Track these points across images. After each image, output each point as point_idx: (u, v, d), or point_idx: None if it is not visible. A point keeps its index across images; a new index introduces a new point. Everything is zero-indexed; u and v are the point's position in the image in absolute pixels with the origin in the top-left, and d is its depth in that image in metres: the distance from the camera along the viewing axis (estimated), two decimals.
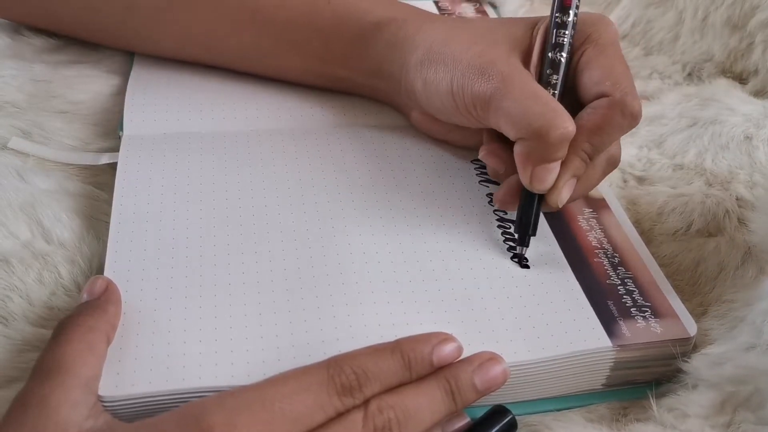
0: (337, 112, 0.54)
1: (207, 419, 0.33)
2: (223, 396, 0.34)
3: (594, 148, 0.44)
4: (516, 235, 0.45)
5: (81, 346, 0.36)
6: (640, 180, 0.53)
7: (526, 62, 0.46)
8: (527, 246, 0.44)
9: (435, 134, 0.52)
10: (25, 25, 0.61)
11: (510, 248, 0.45)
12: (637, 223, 0.49)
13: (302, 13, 0.52)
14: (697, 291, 0.45)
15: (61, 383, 0.35)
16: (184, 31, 0.55)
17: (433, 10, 0.69)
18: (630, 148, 0.55)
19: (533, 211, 0.44)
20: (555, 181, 0.43)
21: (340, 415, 0.35)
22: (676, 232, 0.49)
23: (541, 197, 0.44)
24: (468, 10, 0.70)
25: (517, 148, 0.44)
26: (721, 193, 0.50)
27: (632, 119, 0.43)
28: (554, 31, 0.45)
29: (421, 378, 0.37)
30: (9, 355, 0.40)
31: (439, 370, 0.37)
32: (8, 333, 0.40)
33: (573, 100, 0.45)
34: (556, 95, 0.45)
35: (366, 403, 0.35)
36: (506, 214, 0.47)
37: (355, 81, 0.53)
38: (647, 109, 0.59)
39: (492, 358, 0.38)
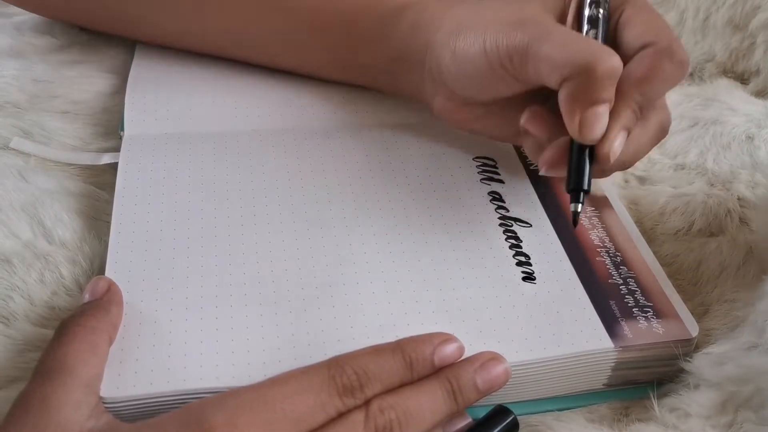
0: (339, 112, 0.54)
1: (209, 419, 0.33)
2: (225, 396, 0.34)
3: (644, 98, 0.42)
4: (569, 194, 0.43)
5: (83, 347, 0.36)
6: (642, 180, 0.53)
7: (561, 23, 0.44)
8: (582, 203, 0.42)
9: (460, 122, 0.49)
10: (51, 17, 0.61)
11: (508, 233, 0.43)
12: (638, 223, 0.49)
13: (326, 1, 0.52)
14: (699, 291, 0.45)
15: (63, 383, 0.35)
16: (209, 22, 0.54)
17: None
18: None
19: (584, 165, 0.42)
20: (607, 132, 0.41)
21: (341, 415, 0.35)
22: (678, 232, 0.49)
23: (593, 150, 0.42)
24: None
25: (562, 93, 0.41)
26: (722, 193, 0.50)
27: (681, 67, 0.42)
28: None
29: (422, 378, 0.37)
30: (10, 355, 0.40)
31: (440, 370, 0.37)
32: (9, 333, 0.40)
33: None
34: None
35: (367, 403, 0.35)
36: (508, 212, 0.47)
37: (376, 68, 0.52)
38: None
39: (494, 357, 0.38)
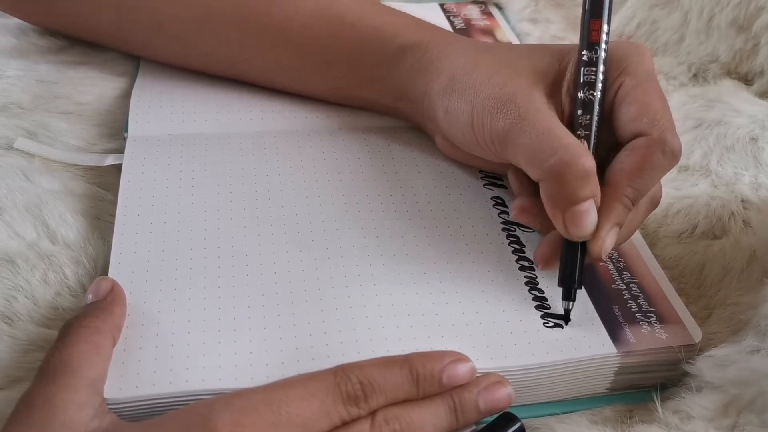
0: (341, 115, 0.54)
1: (214, 419, 0.33)
2: (230, 397, 0.34)
3: (636, 192, 0.41)
4: (561, 290, 0.42)
5: (87, 347, 0.36)
6: None
7: (552, 94, 0.44)
8: (573, 300, 0.41)
9: (459, 159, 0.50)
10: (57, 32, 0.61)
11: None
12: (641, 226, 0.49)
13: (328, 35, 0.52)
14: (702, 294, 0.45)
15: (67, 384, 0.35)
16: (211, 50, 0.55)
17: (439, 12, 0.69)
18: None
19: (577, 262, 0.41)
20: (597, 230, 0.40)
21: (345, 424, 0.35)
22: (681, 234, 0.49)
23: (584, 246, 0.41)
24: (473, 12, 0.70)
25: (541, 192, 0.41)
26: (726, 195, 0.50)
27: (673, 158, 0.41)
28: (582, 69, 0.43)
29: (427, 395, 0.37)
30: (14, 355, 0.40)
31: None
32: (13, 333, 0.40)
33: (610, 136, 0.43)
34: (591, 136, 0.43)
35: (373, 414, 0.35)
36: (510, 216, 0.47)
37: (380, 103, 0.53)
38: None
39: (498, 381, 0.38)
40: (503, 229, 0.46)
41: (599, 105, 0.43)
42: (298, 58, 0.53)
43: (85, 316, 0.38)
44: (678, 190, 0.51)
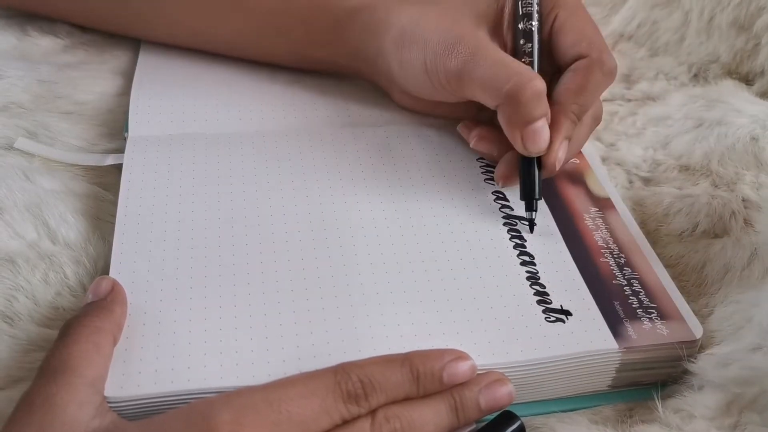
0: (342, 113, 0.54)
1: (214, 418, 0.33)
2: (230, 395, 0.34)
3: (580, 107, 0.46)
4: (524, 203, 0.46)
5: (87, 347, 0.36)
6: (646, 181, 0.53)
7: (494, 33, 0.49)
8: (536, 210, 0.46)
9: (419, 110, 0.54)
10: (22, 11, 0.62)
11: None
12: (642, 224, 0.49)
13: (282, 2, 0.54)
14: (704, 292, 0.45)
15: (68, 383, 0.35)
16: (174, 19, 0.57)
17: None
18: (636, 148, 0.55)
19: (534, 175, 0.46)
20: (550, 144, 0.45)
21: (346, 423, 0.35)
22: (682, 233, 0.49)
23: (539, 161, 0.46)
24: None
25: (499, 116, 0.46)
26: (727, 194, 0.50)
27: (610, 75, 0.47)
28: (519, 3, 0.48)
29: (428, 393, 0.37)
30: (14, 355, 0.40)
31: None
32: (14, 333, 0.40)
33: (551, 65, 0.48)
34: (534, 63, 0.47)
35: (373, 412, 0.35)
36: (513, 210, 0.47)
37: (338, 63, 0.55)
38: (653, 110, 0.59)
39: (499, 379, 0.38)
40: (504, 224, 0.46)
41: (538, 33, 0.48)
42: (257, 25, 0.55)
43: (85, 315, 0.38)
44: (679, 189, 0.51)
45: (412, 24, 0.49)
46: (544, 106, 0.45)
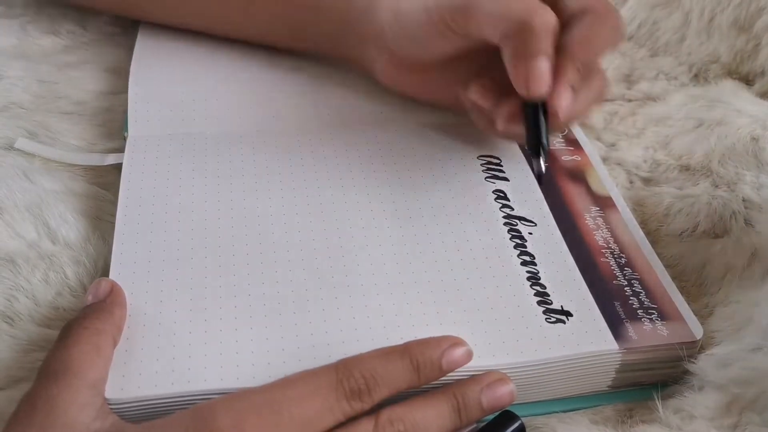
0: (343, 113, 0.54)
1: (216, 421, 0.33)
2: (231, 398, 0.34)
3: (585, 58, 0.45)
4: (531, 152, 0.45)
5: (88, 348, 0.36)
6: (647, 181, 0.53)
7: None
8: (545, 160, 0.44)
9: (403, 85, 0.52)
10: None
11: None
12: (643, 224, 0.49)
13: None
14: (704, 292, 0.45)
15: (69, 385, 0.35)
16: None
17: None
18: (636, 149, 0.55)
19: (540, 121, 0.44)
20: (554, 87, 0.43)
21: (349, 421, 0.35)
22: (683, 233, 0.49)
23: (545, 110, 0.44)
24: None
25: (505, 52, 0.44)
26: (727, 195, 0.50)
27: (618, 31, 0.46)
28: None
29: (430, 390, 0.37)
30: (15, 355, 0.40)
31: (448, 386, 0.37)
32: (14, 333, 0.40)
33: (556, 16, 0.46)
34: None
35: (377, 414, 0.35)
36: (513, 210, 0.47)
37: (321, 33, 0.54)
38: (653, 110, 0.59)
39: (501, 378, 0.38)
40: (505, 224, 0.46)
41: None
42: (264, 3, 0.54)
43: (85, 317, 0.38)
44: (679, 189, 0.51)
45: None
46: (549, 43, 0.43)
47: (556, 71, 0.43)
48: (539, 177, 0.45)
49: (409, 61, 0.49)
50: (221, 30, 0.57)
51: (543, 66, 0.43)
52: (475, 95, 0.47)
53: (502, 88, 0.46)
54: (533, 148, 0.44)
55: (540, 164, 0.44)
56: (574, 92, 0.44)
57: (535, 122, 0.44)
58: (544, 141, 0.44)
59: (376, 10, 0.49)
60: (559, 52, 0.44)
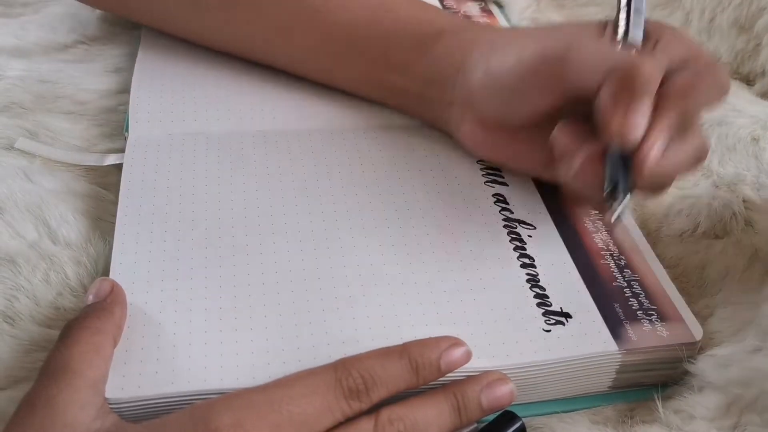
0: (344, 114, 0.54)
1: (215, 420, 0.33)
2: (231, 397, 0.34)
3: (683, 110, 0.40)
4: (608, 204, 0.41)
5: (88, 348, 0.36)
6: None
7: None
8: (622, 203, 0.40)
9: (486, 149, 0.49)
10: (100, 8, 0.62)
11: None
12: (643, 225, 0.49)
13: (364, 17, 0.51)
14: (704, 293, 0.45)
15: (69, 384, 0.35)
16: (247, 30, 0.54)
17: (438, 7, 0.69)
18: None
19: (626, 171, 0.40)
20: (645, 135, 0.39)
21: (348, 421, 0.35)
22: (683, 234, 0.49)
23: (628, 162, 0.40)
24: (473, 10, 0.70)
25: (603, 94, 0.39)
26: (727, 195, 0.50)
27: (722, 87, 0.41)
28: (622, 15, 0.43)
29: (429, 390, 0.37)
30: (16, 355, 0.40)
31: (448, 386, 0.37)
32: (15, 333, 0.40)
33: None
34: None
35: (377, 414, 0.35)
36: (513, 213, 0.47)
37: (409, 91, 0.51)
38: None
39: (500, 378, 0.38)
40: (504, 226, 0.46)
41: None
42: (331, 41, 0.52)
43: (85, 317, 0.38)
44: (680, 189, 0.51)
45: (507, 34, 0.46)
46: (653, 93, 0.39)
47: (652, 117, 0.39)
48: (609, 225, 0.43)
49: (497, 123, 0.47)
50: (312, 74, 0.55)
51: (644, 109, 0.39)
52: (559, 132, 0.43)
53: (588, 130, 0.41)
54: (609, 193, 0.40)
55: (615, 212, 0.40)
56: (666, 147, 0.40)
57: (614, 170, 0.40)
58: (623, 188, 0.40)
59: (466, 68, 0.47)
60: (656, 101, 0.40)
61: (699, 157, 0.43)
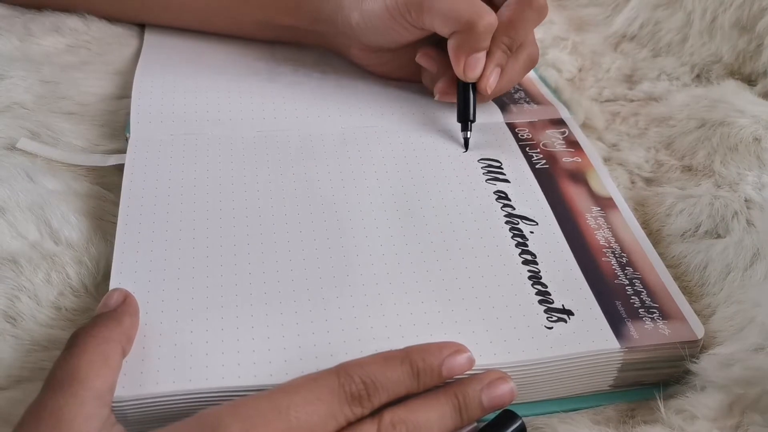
0: (343, 115, 0.54)
1: (223, 429, 0.33)
2: (237, 405, 0.34)
3: (511, 40, 0.52)
4: (460, 124, 0.53)
5: (95, 358, 0.36)
6: (648, 181, 0.53)
7: None
8: (470, 130, 0.53)
9: (373, 66, 0.58)
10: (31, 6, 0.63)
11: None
12: (645, 224, 0.49)
13: None
14: (706, 292, 0.45)
15: (75, 395, 0.34)
16: None
17: None
18: (638, 149, 0.55)
19: (470, 98, 0.53)
20: (483, 70, 0.52)
21: (350, 425, 0.35)
22: (685, 234, 0.49)
23: (474, 86, 0.53)
24: None
25: (450, 43, 0.52)
26: (729, 195, 0.50)
27: (540, 12, 0.53)
28: None
29: (430, 391, 0.37)
30: (17, 355, 0.40)
31: (448, 385, 0.37)
32: (16, 333, 0.40)
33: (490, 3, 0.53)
34: None
35: (380, 417, 0.35)
36: (514, 209, 0.47)
37: (300, 29, 0.59)
38: (655, 111, 0.59)
39: (501, 377, 0.38)
40: (506, 223, 0.46)
41: None
42: None
43: (93, 326, 0.37)
44: (681, 189, 0.51)
45: None
46: (488, 40, 0.51)
47: (486, 56, 0.52)
48: (466, 144, 0.52)
49: (376, 48, 0.56)
50: (210, 28, 0.62)
51: (479, 59, 0.52)
52: (420, 60, 0.55)
53: (443, 57, 0.53)
54: (463, 121, 0.53)
55: (467, 135, 0.52)
56: (502, 71, 0.53)
57: (465, 100, 0.53)
58: (471, 116, 0.53)
59: (343, 10, 0.55)
60: None
61: (530, 63, 0.56)
